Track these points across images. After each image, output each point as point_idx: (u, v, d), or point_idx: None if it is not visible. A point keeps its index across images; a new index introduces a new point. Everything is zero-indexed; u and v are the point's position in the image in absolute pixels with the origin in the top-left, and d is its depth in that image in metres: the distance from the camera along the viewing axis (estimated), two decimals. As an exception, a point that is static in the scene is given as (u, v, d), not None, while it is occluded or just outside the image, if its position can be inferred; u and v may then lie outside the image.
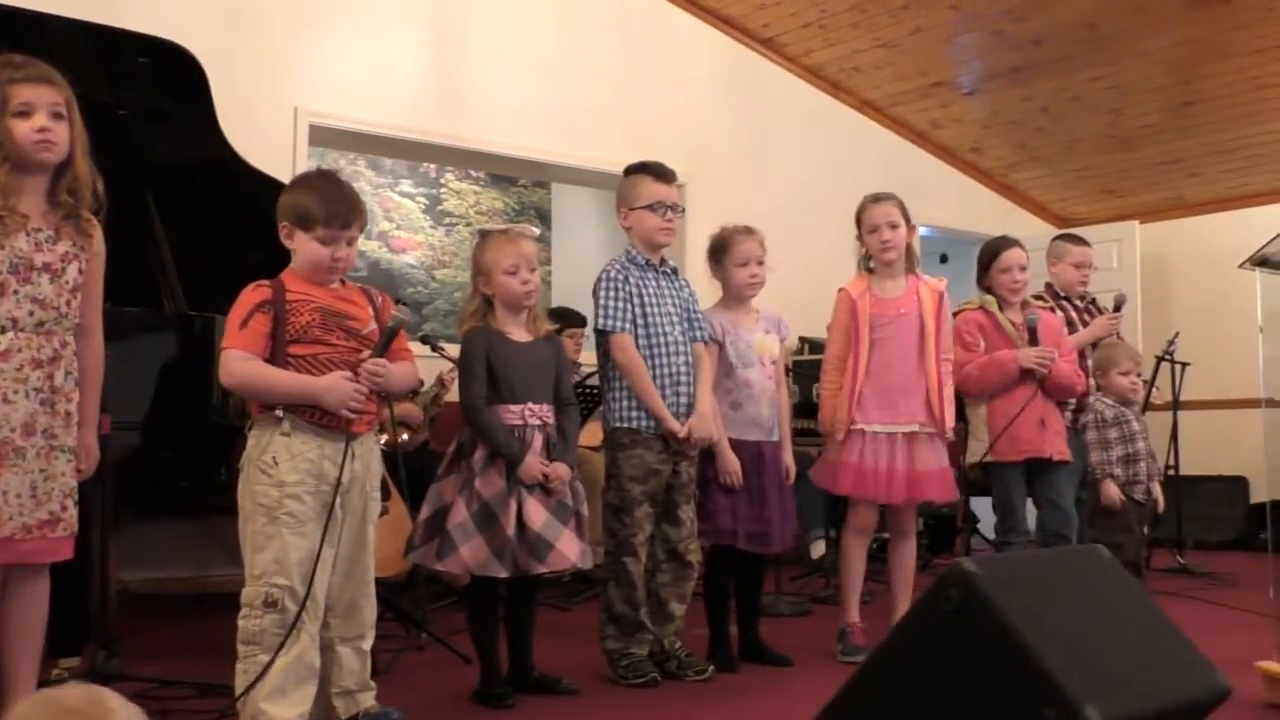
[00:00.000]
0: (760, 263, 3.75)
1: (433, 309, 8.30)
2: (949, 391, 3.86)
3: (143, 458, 3.36)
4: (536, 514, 3.11)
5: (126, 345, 2.83)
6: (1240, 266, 3.46)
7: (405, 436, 4.48)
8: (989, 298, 4.23)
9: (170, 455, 3.54)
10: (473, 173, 8.50)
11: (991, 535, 4.95)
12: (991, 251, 4.25)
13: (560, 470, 3.17)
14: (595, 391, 4.92)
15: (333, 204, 2.67)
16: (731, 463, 3.59)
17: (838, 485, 3.84)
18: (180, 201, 3.91)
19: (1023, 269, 4.20)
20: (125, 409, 2.95)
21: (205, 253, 3.90)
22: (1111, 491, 4.40)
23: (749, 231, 3.78)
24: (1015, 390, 4.04)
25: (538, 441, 3.17)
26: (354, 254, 2.77)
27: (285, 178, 3.99)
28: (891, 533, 3.95)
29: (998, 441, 4.02)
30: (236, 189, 3.92)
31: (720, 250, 3.79)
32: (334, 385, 2.61)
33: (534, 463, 3.11)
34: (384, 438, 2.82)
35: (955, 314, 4.23)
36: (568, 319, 5.17)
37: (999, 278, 4.20)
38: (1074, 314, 4.88)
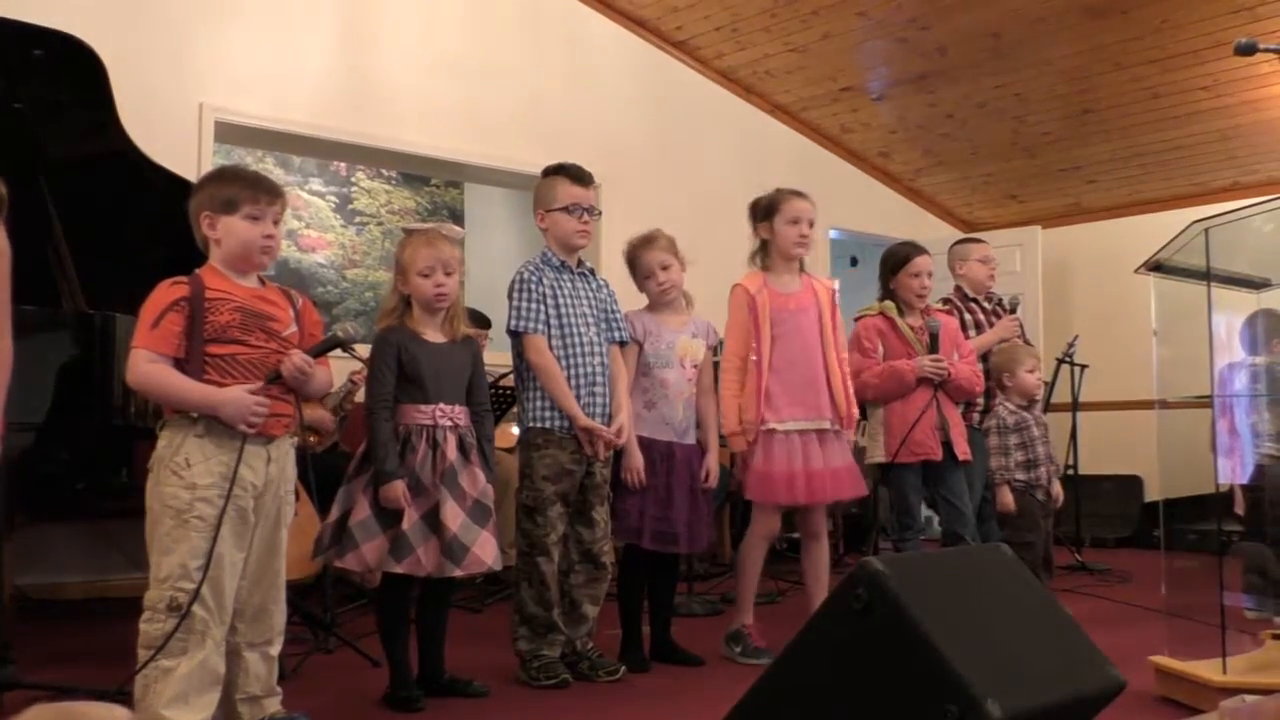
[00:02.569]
0: (665, 267, 3.75)
1: (343, 309, 8.18)
2: (851, 390, 3.89)
3: (39, 460, 3.26)
4: (453, 516, 3.08)
5: (21, 344, 2.74)
6: (1136, 271, 3.56)
7: (314, 439, 4.40)
8: (889, 303, 4.24)
9: (68, 457, 3.44)
10: (384, 171, 8.40)
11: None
12: (902, 256, 4.24)
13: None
14: (508, 393, 4.90)
15: (254, 181, 2.69)
16: (635, 460, 3.59)
17: (746, 489, 3.83)
18: (79, 197, 3.80)
19: (930, 275, 4.24)
20: (20, 409, 2.85)
21: (107, 250, 3.80)
22: (1005, 498, 4.48)
23: (648, 241, 3.78)
24: (913, 395, 4.10)
25: (451, 442, 3.15)
26: (281, 237, 2.73)
27: (190, 175, 3.91)
28: (802, 535, 3.94)
29: (895, 444, 4.07)
30: (139, 185, 3.83)
31: (631, 265, 3.81)
32: (234, 398, 2.55)
33: (398, 489, 3.05)
34: (294, 439, 2.78)
35: (856, 319, 4.28)
36: (472, 320, 5.13)
37: (909, 282, 4.20)
38: (982, 316, 4.98)
